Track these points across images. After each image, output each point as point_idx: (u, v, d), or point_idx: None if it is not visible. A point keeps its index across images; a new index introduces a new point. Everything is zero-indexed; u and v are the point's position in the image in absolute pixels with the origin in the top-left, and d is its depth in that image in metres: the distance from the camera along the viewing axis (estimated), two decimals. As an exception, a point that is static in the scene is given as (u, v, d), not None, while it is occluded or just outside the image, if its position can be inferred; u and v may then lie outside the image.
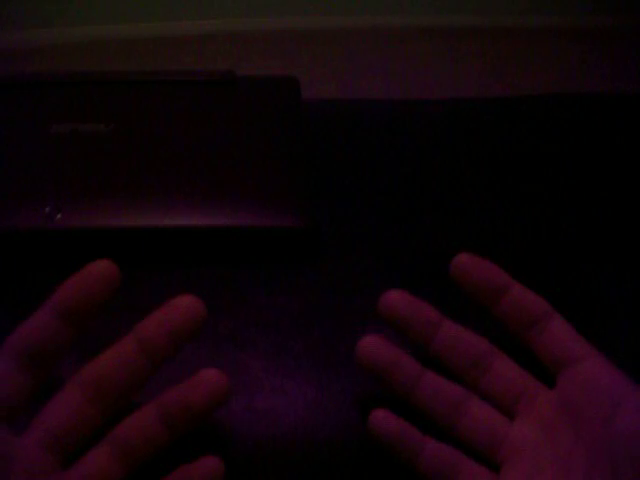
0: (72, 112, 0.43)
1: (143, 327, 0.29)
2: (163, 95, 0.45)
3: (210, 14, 1.94)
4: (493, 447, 0.31)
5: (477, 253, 0.36)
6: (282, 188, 0.40)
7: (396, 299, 0.31)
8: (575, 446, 0.29)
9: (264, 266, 0.39)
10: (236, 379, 0.34)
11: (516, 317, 0.31)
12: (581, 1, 2.00)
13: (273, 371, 0.35)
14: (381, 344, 0.31)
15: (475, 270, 0.32)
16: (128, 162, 0.40)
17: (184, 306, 0.29)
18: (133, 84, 0.46)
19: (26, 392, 0.28)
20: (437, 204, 0.43)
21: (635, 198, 0.44)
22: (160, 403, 0.29)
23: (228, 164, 0.41)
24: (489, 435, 0.31)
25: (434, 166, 0.45)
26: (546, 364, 0.32)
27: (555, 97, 0.52)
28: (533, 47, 1.83)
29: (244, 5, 1.95)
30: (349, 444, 0.33)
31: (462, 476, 0.30)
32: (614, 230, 0.42)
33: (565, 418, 0.30)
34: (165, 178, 0.40)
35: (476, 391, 0.32)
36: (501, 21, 1.97)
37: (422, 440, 0.30)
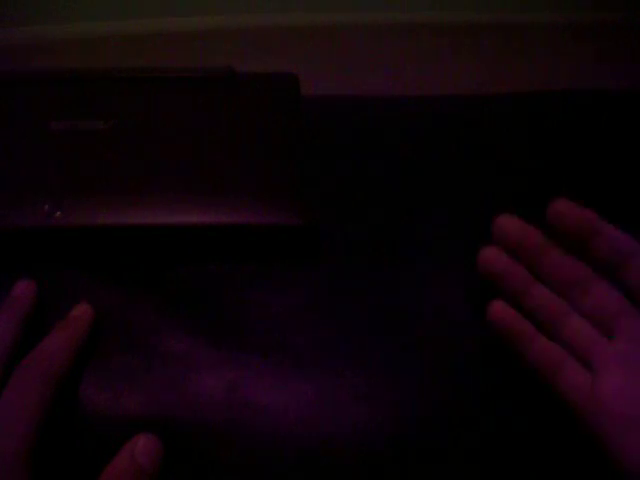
0: (71, 109, 0.43)
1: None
2: (162, 92, 0.45)
3: (209, 10, 1.94)
4: (588, 358, 0.33)
5: (479, 250, 0.36)
6: (281, 185, 0.40)
7: (508, 223, 0.36)
8: None
9: (264, 264, 0.39)
10: (237, 375, 0.34)
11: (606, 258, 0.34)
12: (581, -2, 2.00)
13: (273, 368, 0.35)
14: (498, 255, 0.36)
15: (570, 214, 0.35)
16: (127, 159, 0.40)
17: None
18: (132, 81, 0.45)
19: None
20: (437, 201, 0.43)
21: (634, 194, 0.44)
22: None
23: (227, 161, 0.41)
24: (585, 347, 0.33)
25: (434, 163, 0.45)
26: None
27: (556, 94, 0.51)
28: (533, 44, 1.82)
29: (243, 1, 1.95)
30: (349, 441, 0.33)
31: (564, 372, 0.33)
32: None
33: None
34: (164, 175, 0.40)
35: (576, 309, 0.34)
36: (502, 18, 1.96)
37: (535, 334, 0.34)
